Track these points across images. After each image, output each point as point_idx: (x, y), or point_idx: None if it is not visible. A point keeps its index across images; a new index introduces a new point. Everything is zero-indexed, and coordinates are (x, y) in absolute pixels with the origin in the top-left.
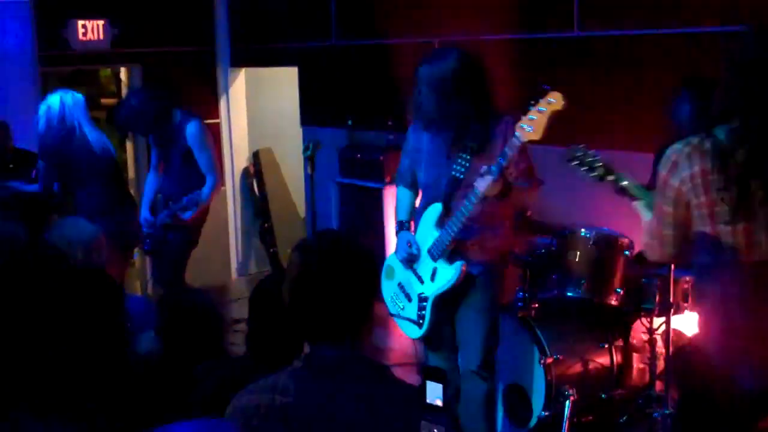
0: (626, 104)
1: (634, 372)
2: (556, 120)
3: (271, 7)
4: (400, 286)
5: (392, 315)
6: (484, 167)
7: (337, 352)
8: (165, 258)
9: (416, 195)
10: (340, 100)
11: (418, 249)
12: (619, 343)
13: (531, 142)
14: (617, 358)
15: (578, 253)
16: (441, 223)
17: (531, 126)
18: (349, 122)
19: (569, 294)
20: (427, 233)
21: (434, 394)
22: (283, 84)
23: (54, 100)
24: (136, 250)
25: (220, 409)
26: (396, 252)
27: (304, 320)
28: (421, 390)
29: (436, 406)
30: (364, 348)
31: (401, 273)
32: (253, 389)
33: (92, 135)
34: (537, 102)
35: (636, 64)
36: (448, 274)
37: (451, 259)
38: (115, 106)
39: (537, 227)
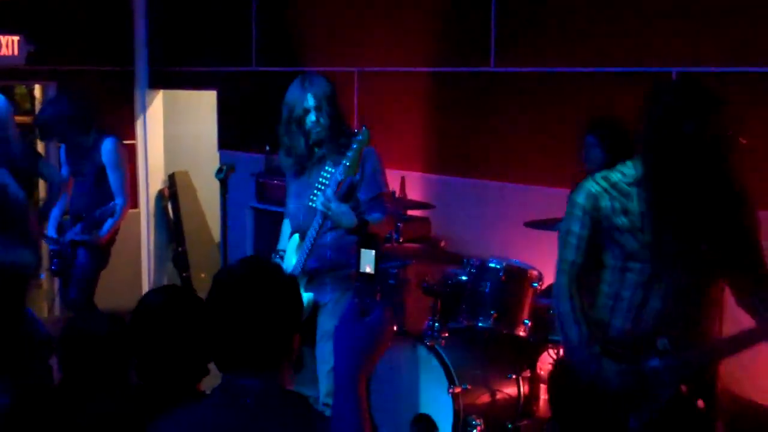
0: (541, 139)
1: (541, 403)
2: (471, 152)
3: (192, 30)
4: None
5: None
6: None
7: (260, 384)
8: (73, 279)
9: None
10: (259, 125)
11: None
12: (527, 374)
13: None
14: (524, 388)
15: (488, 284)
16: (297, 252)
17: (348, 161)
18: (267, 148)
19: (479, 324)
20: (289, 262)
21: (366, 261)
22: (201, 107)
23: None
24: (43, 270)
25: None
26: None
27: (223, 349)
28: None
29: (369, 274)
30: (285, 377)
31: None
32: (176, 424)
33: None
34: (353, 140)
35: (550, 100)
36: None
37: (306, 290)
38: (35, 116)
39: (450, 258)
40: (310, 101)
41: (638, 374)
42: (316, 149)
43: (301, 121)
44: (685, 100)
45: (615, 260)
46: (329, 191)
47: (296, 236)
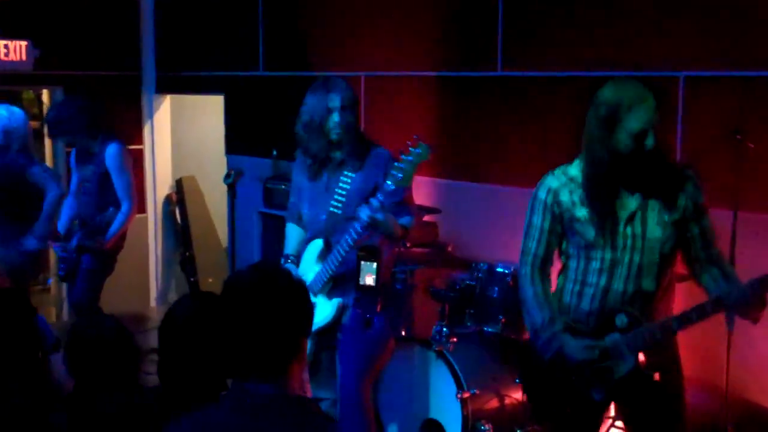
0: (548, 143)
1: None
2: (478, 156)
3: (199, 35)
4: None
5: None
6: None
7: (269, 389)
8: (78, 283)
9: (305, 230)
10: (266, 130)
11: None
12: None
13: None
14: None
15: (496, 288)
16: (321, 258)
17: (401, 173)
18: (274, 153)
19: (487, 329)
20: (309, 268)
21: (367, 273)
22: (208, 112)
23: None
24: (51, 276)
25: None
26: None
27: (231, 354)
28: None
29: (369, 286)
30: (296, 381)
31: None
32: (180, 428)
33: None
34: (406, 151)
35: (558, 104)
36: (325, 310)
37: (330, 295)
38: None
39: (457, 263)
40: (336, 101)
41: (598, 347)
42: (335, 153)
43: (323, 121)
44: (620, 99)
45: (578, 249)
46: (376, 202)
47: (318, 242)
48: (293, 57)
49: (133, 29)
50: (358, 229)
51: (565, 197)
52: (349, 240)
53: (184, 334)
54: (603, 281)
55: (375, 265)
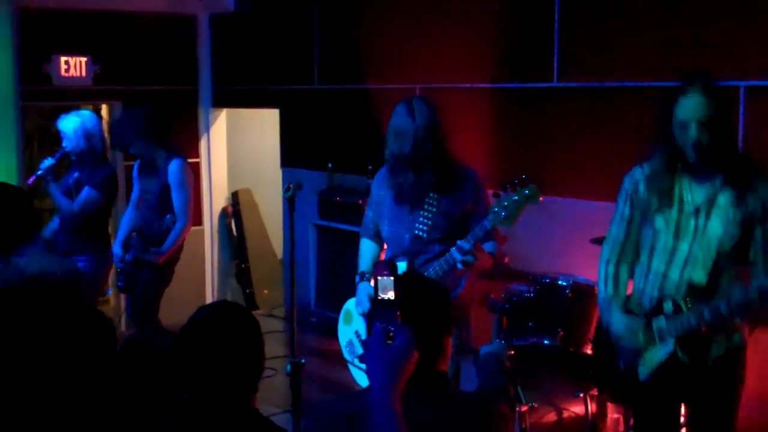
0: (606, 154)
1: (609, 422)
2: (534, 168)
3: (254, 50)
4: (357, 334)
5: (346, 361)
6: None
7: None
8: (137, 295)
9: (380, 247)
10: (321, 143)
11: None
12: (594, 392)
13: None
14: (592, 407)
15: (555, 301)
16: None
17: (504, 212)
18: (329, 165)
19: (545, 342)
20: None
21: (385, 288)
22: (263, 125)
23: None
24: (110, 287)
25: None
26: (356, 302)
27: None
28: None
29: (389, 300)
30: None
31: (359, 321)
32: None
33: None
34: (513, 189)
35: (615, 115)
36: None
37: None
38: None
39: (514, 275)
40: (419, 135)
41: (641, 331)
42: (421, 172)
43: (413, 155)
44: (672, 91)
45: (650, 237)
46: (472, 239)
47: (401, 265)
48: (348, 70)
49: (190, 44)
50: (446, 267)
51: (643, 188)
52: (440, 271)
53: (201, 344)
54: (662, 268)
55: (392, 279)
